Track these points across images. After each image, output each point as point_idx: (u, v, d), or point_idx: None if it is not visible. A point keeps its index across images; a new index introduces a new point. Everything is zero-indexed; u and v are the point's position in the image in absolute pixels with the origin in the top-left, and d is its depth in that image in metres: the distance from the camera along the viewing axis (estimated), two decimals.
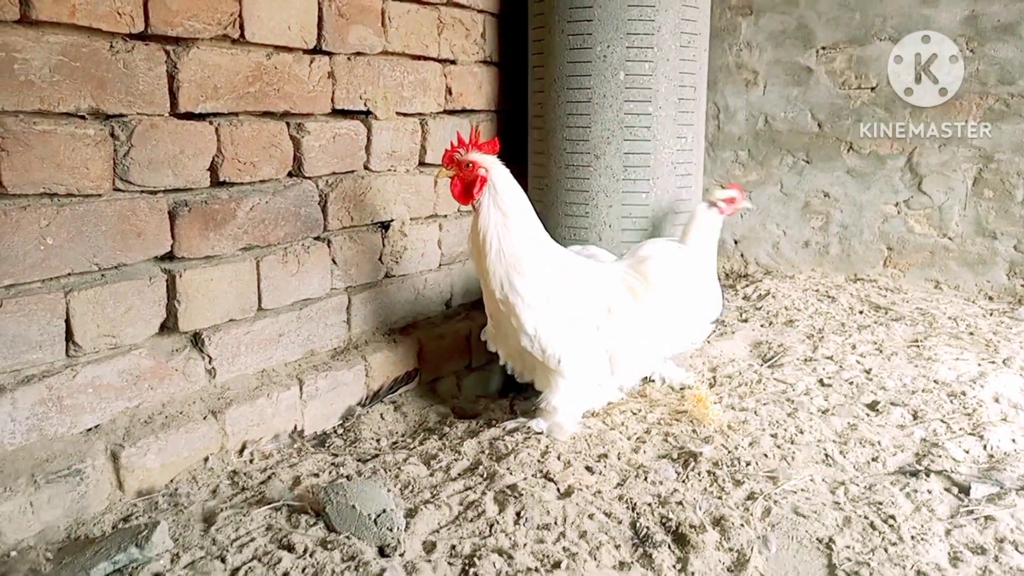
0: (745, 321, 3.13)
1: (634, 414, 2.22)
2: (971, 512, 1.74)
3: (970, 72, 3.41)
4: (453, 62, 2.57)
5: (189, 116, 1.87)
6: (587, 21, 2.40)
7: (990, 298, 3.48)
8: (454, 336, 2.62)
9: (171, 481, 1.81)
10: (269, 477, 1.85)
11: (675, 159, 2.53)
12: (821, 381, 2.49)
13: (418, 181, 2.51)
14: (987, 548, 1.62)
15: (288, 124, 2.11)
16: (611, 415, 2.19)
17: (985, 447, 2.07)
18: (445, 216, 2.65)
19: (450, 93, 2.57)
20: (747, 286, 3.55)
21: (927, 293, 3.52)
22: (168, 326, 1.90)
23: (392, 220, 2.42)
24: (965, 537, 1.65)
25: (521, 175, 2.74)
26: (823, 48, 3.68)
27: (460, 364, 2.66)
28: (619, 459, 1.94)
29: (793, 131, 3.80)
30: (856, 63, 3.62)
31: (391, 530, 1.54)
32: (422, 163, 2.52)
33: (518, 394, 2.60)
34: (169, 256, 1.88)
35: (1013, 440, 2.11)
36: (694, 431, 2.10)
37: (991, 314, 3.25)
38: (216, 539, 1.56)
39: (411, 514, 1.65)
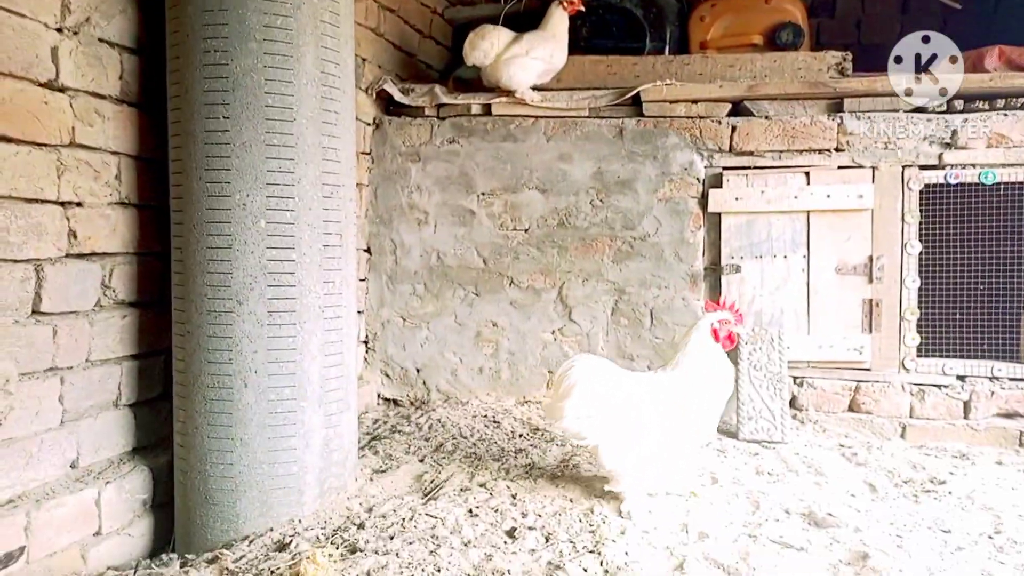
0: (412, 453, 3.20)
1: None
2: None
3: (601, 218, 3.97)
4: (79, 204, 2.42)
5: None
6: (225, 170, 2.42)
7: None
8: (79, 502, 2.34)
9: None
10: None
11: (323, 303, 2.57)
12: (471, 511, 2.59)
13: (31, 332, 2.27)
14: None
15: None
16: None
17: (602, 563, 2.27)
18: (69, 368, 2.41)
19: (75, 236, 2.40)
20: (421, 416, 3.66)
21: None
22: None
23: None
24: None
25: (168, 322, 2.61)
26: (483, 194, 4.07)
27: (87, 532, 2.37)
28: None
29: (462, 266, 4.10)
30: (511, 207, 4.05)
31: None
32: (36, 312, 2.29)
33: (153, 558, 2.38)
34: None
35: (626, 553, 2.34)
36: None
37: None
38: None
39: None
